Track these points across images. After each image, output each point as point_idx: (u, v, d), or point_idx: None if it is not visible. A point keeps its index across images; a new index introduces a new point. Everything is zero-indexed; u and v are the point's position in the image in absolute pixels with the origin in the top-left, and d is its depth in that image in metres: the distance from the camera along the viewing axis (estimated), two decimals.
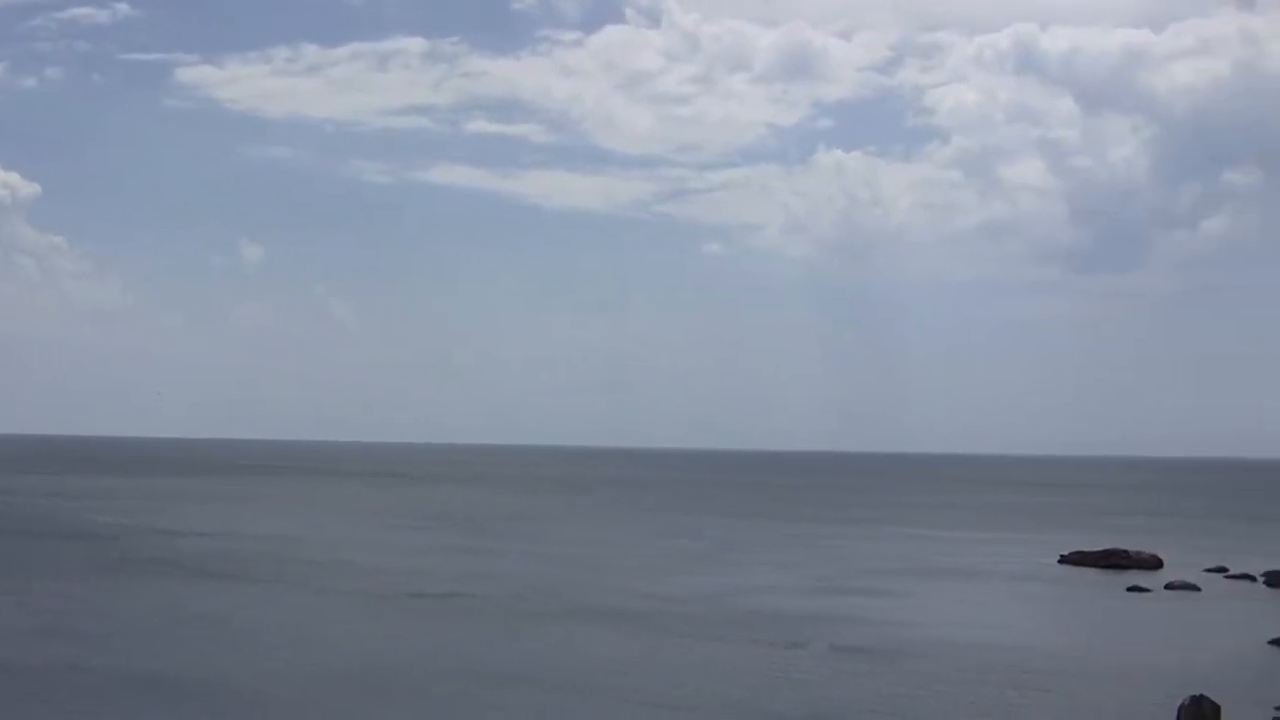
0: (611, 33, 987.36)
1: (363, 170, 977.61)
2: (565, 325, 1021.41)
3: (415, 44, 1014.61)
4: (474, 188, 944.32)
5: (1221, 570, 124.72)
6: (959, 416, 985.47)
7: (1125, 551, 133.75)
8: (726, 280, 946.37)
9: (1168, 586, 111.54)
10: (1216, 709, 55.90)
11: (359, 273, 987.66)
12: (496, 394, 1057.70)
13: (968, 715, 58.80)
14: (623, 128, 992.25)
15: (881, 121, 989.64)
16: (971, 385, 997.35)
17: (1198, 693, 56.62)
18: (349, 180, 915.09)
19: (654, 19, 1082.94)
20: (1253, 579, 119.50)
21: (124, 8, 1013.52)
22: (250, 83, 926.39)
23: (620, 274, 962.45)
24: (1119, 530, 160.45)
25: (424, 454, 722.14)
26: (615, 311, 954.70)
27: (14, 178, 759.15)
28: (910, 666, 71.24)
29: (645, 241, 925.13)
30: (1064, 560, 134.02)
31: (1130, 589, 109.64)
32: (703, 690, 63.15)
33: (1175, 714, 55.76)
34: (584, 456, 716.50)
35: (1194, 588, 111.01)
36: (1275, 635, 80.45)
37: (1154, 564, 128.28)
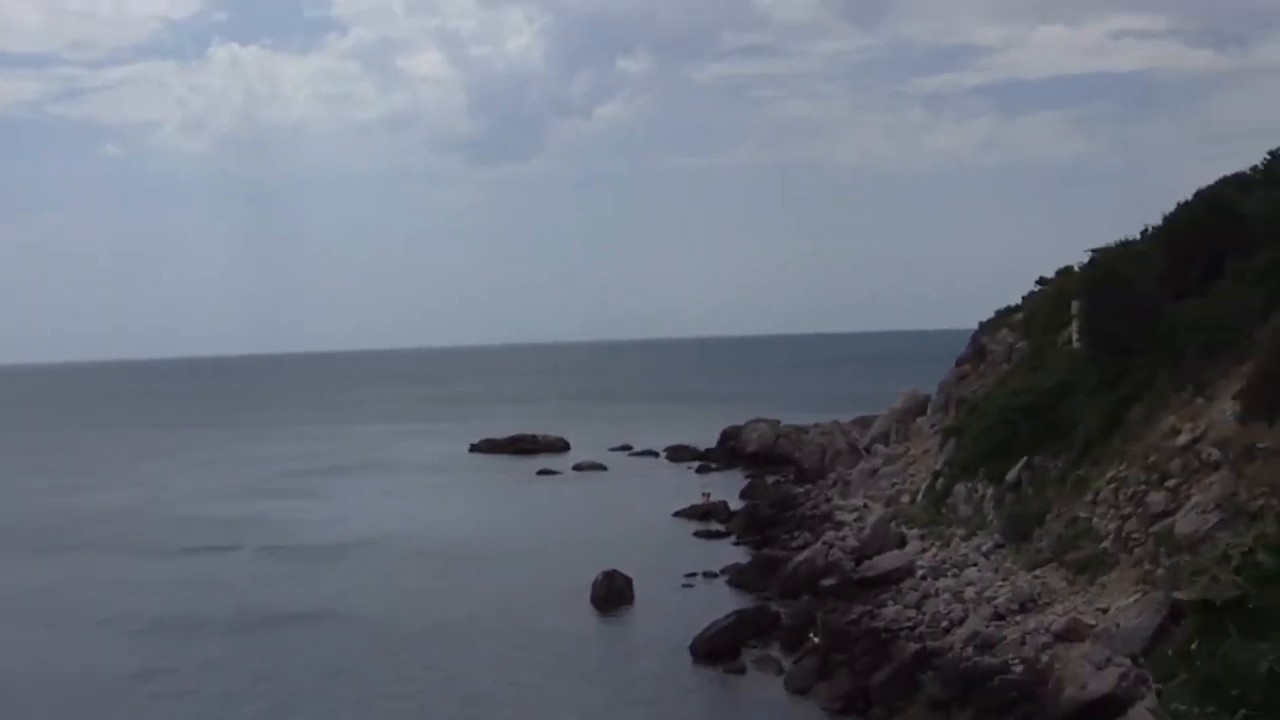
0: None
1: None
2: None
3: None
4: None
5: (626, 448, 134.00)
6: (368, 312, 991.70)
7: (533, 436, 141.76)
8: (124, 181, 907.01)
9: (576, 467, 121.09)
10: (628, 581, 64.08)
11: None
12: None
13: (406, 606, 64.23)
14: (9, 24, 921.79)
15: (278, 13, 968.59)
16: (380, 279, 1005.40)
17: (610, 567, 64.25)
18: None
19: None
20: (656, 454, 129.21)
21: None
22: None
23: (11, 179, 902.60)
24: (528, 416, 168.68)
25: None
26: (7, 219, 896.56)
27: None
28: (340, 562, 76.11)
29: (37, 144, 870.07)
30: (474, 449, 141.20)
31: (540, 472, 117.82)
32: (133, 603, 65.63)
33: (590, 589, 63.04)
34: None
35: (601, 467, 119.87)
36: (679, 508, 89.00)
37: (562, 446, 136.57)
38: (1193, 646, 3.71)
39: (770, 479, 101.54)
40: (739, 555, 73.95)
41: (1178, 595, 41.74)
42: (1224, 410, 49.03)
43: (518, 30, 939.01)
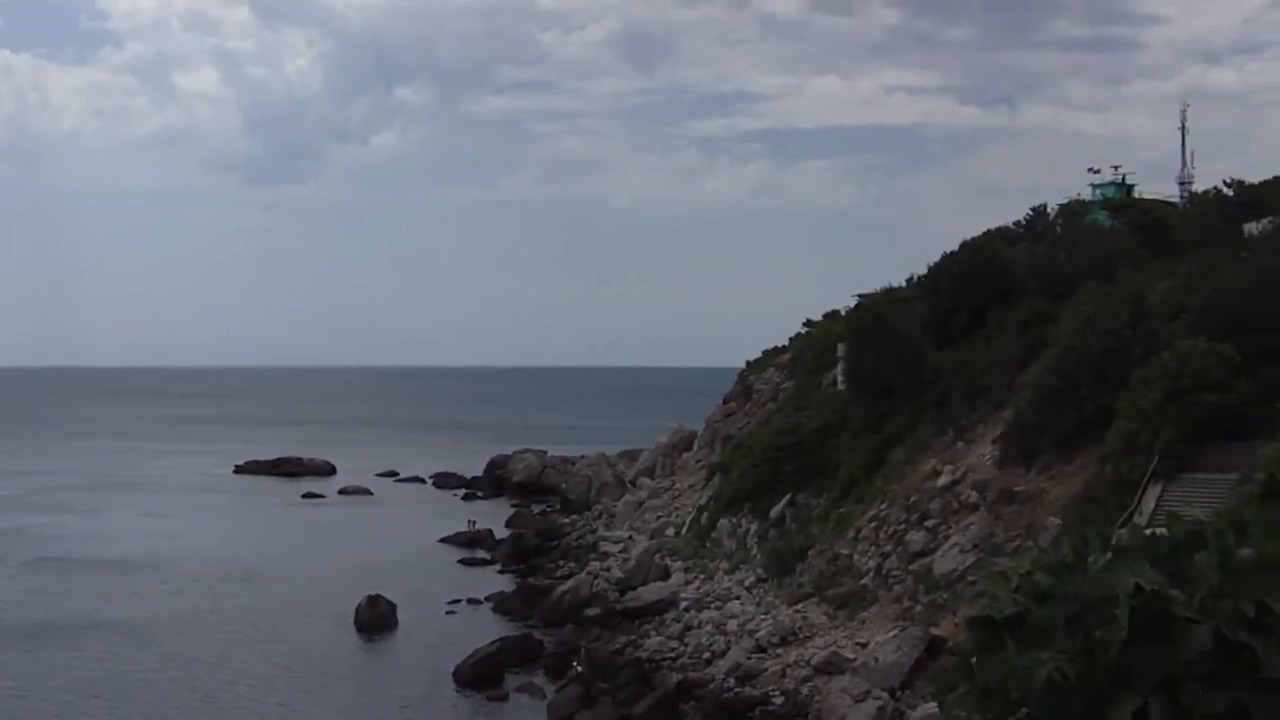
0: None
1: None
2: None
3: None
4: None
5: (393, 474, 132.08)
6: (141, 328, 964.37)
7: (299, 459, 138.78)
8: None
9: (341, 491, 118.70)
10: (392, 606, 62.81)
11: None
12: None
13: (169, 626, 61.97)
14: None
15: (53, 23, 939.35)
16: (150, 296, 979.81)
17: (374, 592, 62.85)
18: None
19: None
20: (422, 481, 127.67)
21: None
22: None
23: None
24: (295, 439, 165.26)
25: None
26: None
27: None
28: (101, 580, 73.28)
29: None
30: (239, 470, 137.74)
31: (306, 495, 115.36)
32: None
33: (354, 613, 61.56)
34: None
35: (367, 491, 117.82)
36: (444, 535, 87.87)
37: (328, 470, 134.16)
38: (973, 660, 3.90)
39: (536, 509, 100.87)
40: (503, 583, 73.18)
41: (935, 631, 42.35)
42: (983, 454, 50.08)
43: (297, 53, 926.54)
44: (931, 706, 37.48)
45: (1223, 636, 3.87)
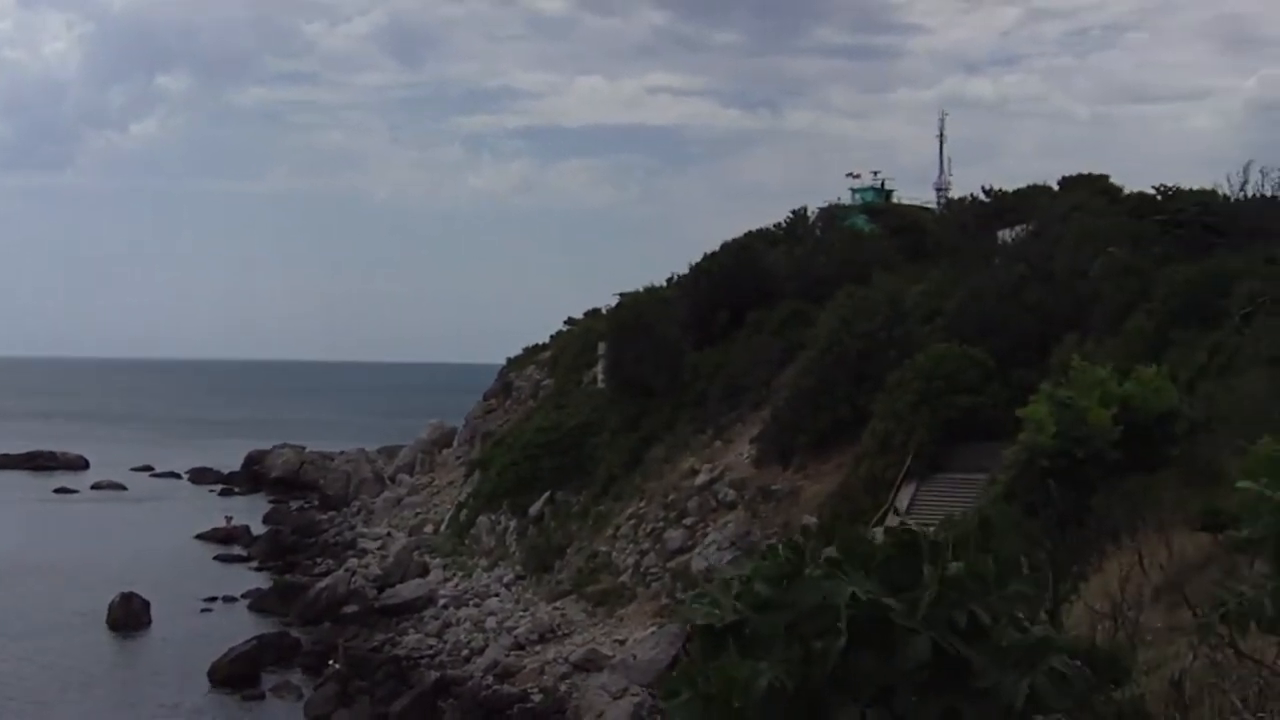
0: None
1: None
2: None
3: None
4: None
5: (148, 469, 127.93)
6: None
7: (51, 453, 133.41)
8: None
9: (94, 486, 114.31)
10: (146, 604, 60.18)
11: None
12: None
13: None
14: None
15: None
16: None
17: (128, 589, 60.10)
18: None
19: None
20: (178, 476, 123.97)
21: None
22: None
23: None
24: (45, 434, 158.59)
25: None
26: None
27: None
28: None
29: None
30: None
31: (58, 490, 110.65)
32: None
33: (106, 611, 58.79)
34: None
35: (121, 487, 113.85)
36: (200, 531, 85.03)
37: (80, 464, 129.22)
38: (696, 667, 3.47)
39: (294, 505, 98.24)
40: (260, 580, 70.85)
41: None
42: (741, 454, 49.95)
43: (56, 35, 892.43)
44: None
45: (940, 646, 3.89)
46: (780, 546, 4.41)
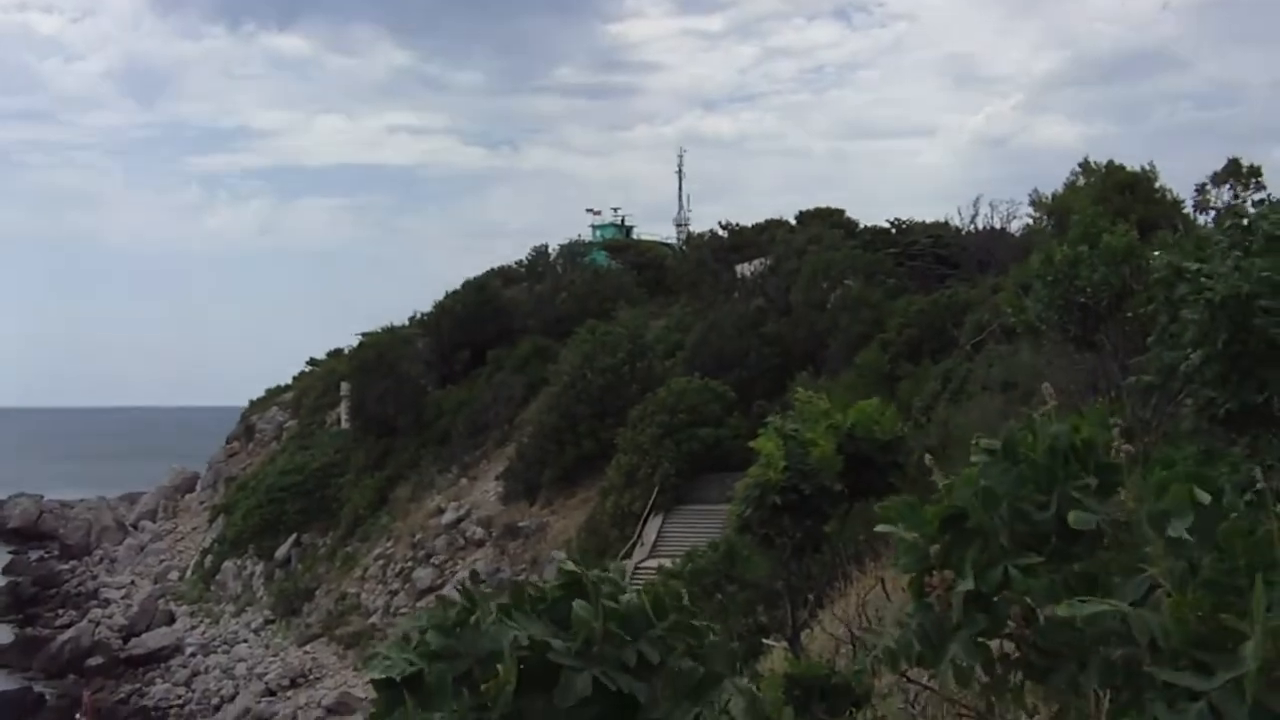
0: None
1: None
2: None
3: None
4: None
5: None
6: None
7: None
8: None
9: None
10: None
11: None
12: None
13: None
14: None
15: None
16: None
17: None
18: None
19: None
20: None
21: None
22: None
23: None
24: None
25: None
26: None
27: None
28: None
29: None
30: None
31: None
32: None
33: None
34: None
35: None
36: None
37: None
38: None
39: (34, 555, 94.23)
40: (0, 635, 67.69)
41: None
42: (487, 491, 49.83)
43: None
44: None
45: (602, 683, 3.90)
46: (445, 599, 4.40)
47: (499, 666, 3.83)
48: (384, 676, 4.15)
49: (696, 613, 4.11)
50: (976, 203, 56.85)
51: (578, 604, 4.06)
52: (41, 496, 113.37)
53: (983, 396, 31.68)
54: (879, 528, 4.02)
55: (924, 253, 53.90)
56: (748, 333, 46.55)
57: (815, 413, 15.74)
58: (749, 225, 65.05)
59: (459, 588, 4.19)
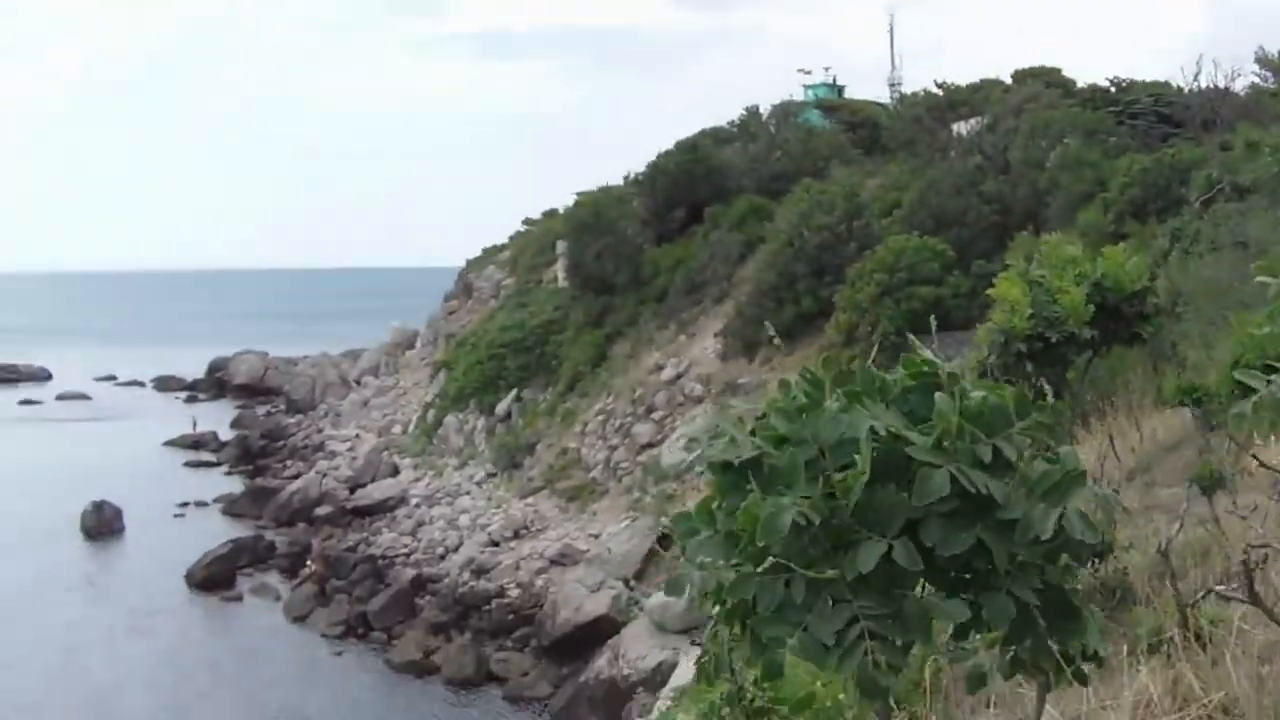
0: None
1: None
2: None
3: None
4: None
5: (111, 378, 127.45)
6: None
7: (14, 365, 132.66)
8: None
9: (59, 397, 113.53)
10: (118, 511, 60.29)
11: None
12: None
13: None
14: None
15: None
16: None
17: (99, 498, 60.20)
18: None
19: None
20: (142, 385, 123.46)
21: None
22: None
23: None
24: (4, 347, 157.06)
25: None
26: None
27: None
28: None
29: None
30: None
31: (23, 402, 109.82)
32: None
33: (79, 519, 58.97)
34: None
35: (85, 396, 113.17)
36: (168, 438, 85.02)
37: (44, 376, 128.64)
38: (714, 505, 3.60)
39: (261, 410, 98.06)
40: (231, 485, 70.98)
41: (665, 521, 42.39)
42: (705, 348, 50.17)
43: None
44: (665, 597, 37.50)
45: (959, 480, 3.82)
46: (794, 381, 4.22)
47: (855, 455, 3.85)
48: (724, 459, 4.08)
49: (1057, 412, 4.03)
50: (1199, 61, 54.55)
51: (939, 397, 3.97)
52: (266, 353, 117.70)
53: (1214, 254, 30.76)
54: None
55: (1146, 112, 52.08)
56: (966, 191, 45.74)
57: (1063, 259, 15.42)
58: (963, 85, 63.62)
59: (803, 373, 4.14)
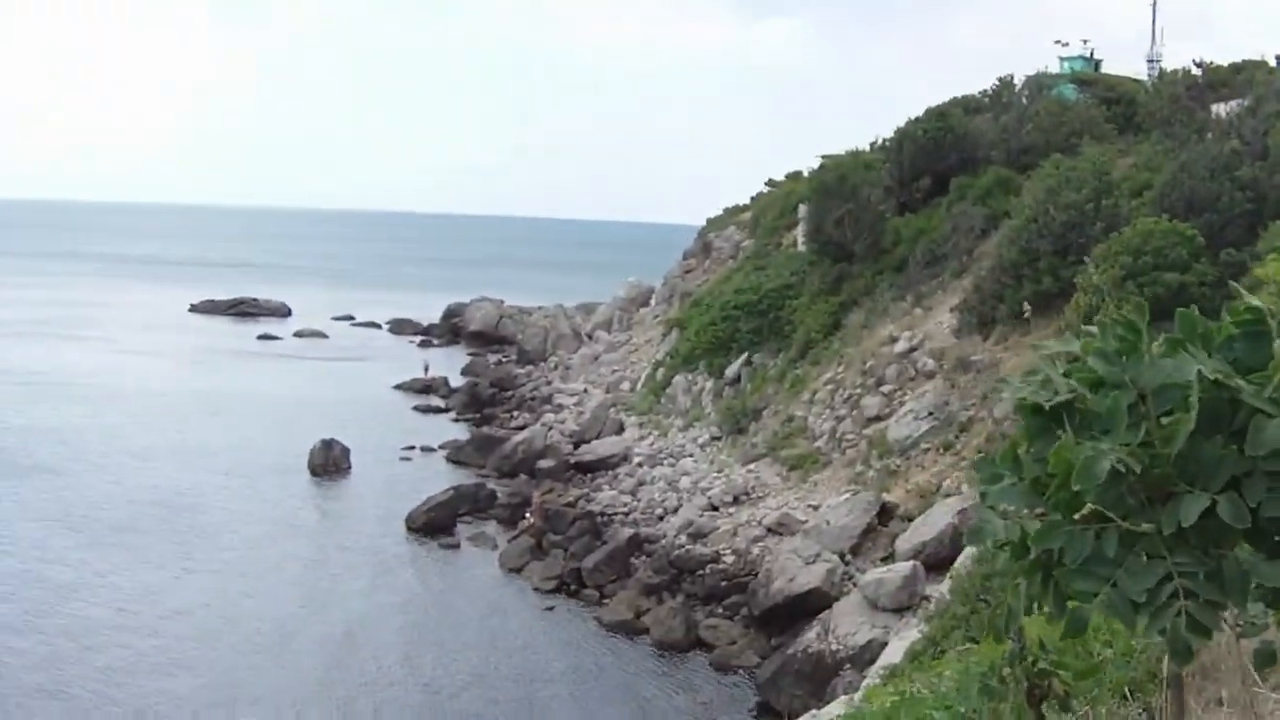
0: None
1: None
2: None
3: None
4: None
5: (348, 318, 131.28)
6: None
7: (255, 300, 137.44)
8: None
9: (297, 334, 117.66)
10: (346, 451, 62.55)
11: None
12: None
13: (134, 462, 61.83)
14: None
15: None
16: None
17: (328, 436, 62.58)
18: None
19: None
20: (378, 326, 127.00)
21: None
22: None
23: None
24: (245, 280, 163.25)
25: None
26: None
27: None
28: (60, 408, 72.55)
29: None
30: (194, 309, 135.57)
31: (261, 336, 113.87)
32: None
33: (307, 456, 61.42)
34: None
35: (322, 335, 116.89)
36: (399, 381, 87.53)
37: (283, 312, 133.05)
38: (1021, 450, 3.60)
39: (492, 358, 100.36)
40: (458, 431, 72.89)
41: (886, 496, 42.39)
42: (940, 322, 49.79)
43: None
44: (879, 570, 37.64)
45: None
46: (1109, 322, 3.97)
47: (1182, 401, 3.70)
48: (1034, 401, 3.93)
49: None
50: None
51: (1267, 343, 3.77)
52: (502, 301, 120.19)
53: None
54: None
55: None
56: (1220, 176, 44.29)
57: None
58: (1225, 65, 61.60)
59: (1117, 316, 3.94)
